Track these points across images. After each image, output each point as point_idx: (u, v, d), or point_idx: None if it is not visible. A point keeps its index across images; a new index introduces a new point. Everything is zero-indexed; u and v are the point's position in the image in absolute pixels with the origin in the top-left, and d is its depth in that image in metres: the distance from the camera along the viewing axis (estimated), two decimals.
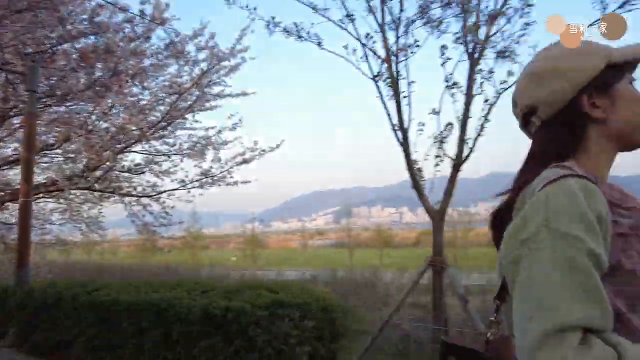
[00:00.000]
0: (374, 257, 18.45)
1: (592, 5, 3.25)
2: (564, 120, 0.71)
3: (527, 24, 3.48)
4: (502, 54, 3.54)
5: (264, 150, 7.47)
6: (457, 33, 3.63)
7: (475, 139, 3.66)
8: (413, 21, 3.75)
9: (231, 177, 7.52)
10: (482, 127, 3.66)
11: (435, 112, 3.78)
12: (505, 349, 0.68)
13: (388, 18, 3.80)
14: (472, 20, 3.59)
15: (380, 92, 3.93)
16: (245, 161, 7.44)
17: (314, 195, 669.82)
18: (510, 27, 3.53)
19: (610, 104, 0.70)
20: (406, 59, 3.82)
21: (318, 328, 3.32)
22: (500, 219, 0.72)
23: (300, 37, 4.12)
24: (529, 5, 3.45)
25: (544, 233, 0.58)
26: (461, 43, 3.59)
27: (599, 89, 0.70)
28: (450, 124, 3.73)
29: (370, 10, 3.84)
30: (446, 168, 3.76)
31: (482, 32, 3.57)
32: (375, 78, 3.93)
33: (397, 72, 3.83)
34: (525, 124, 0.78)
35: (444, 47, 3.62)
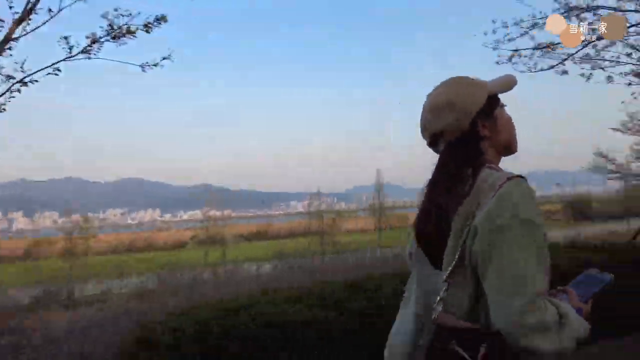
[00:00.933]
0: None
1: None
2: (465, 139, 0.92)
3: None
4: None
5: None
6: None
7: None
8: None
9: None
10: None
11: None
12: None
13: None
14: None
15: None
16: None
17: None
18: None
19: (493, 124, 0.94)
20: None
21: None
22: (434, 217, 0.89)
23: None
24: None
25: (516, 222, 0.76)
26: None
27: (485, 114, 0.93)
28: None
29: None
30: None
31: None
32: None
33: None
34: (433, 144, 0.99)
35: None
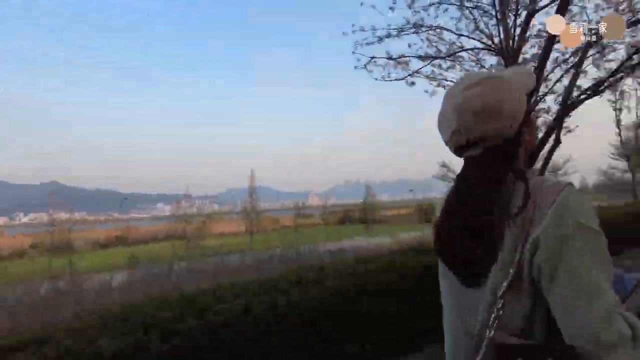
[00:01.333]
0: None
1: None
2: (507, 145, 0.84)
3: None
4: None
5: None
6: None
7: None
8: None
9: None
10: None
11: None
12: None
13: None
14: None
15: None
16: None
17: None
18: None
19: (531, 128, 0.89)
20: None
21: None
22: (476, 232, 0.79)
23: None
24: None
25: (582, 231, 0.70)
26: None
27: (527, 119, 0.86)
28: None
29: None
30: None
31: None
32: None
33: None
34: (462, 149, 0.87)
35: None
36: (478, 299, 0.79)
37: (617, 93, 8.33)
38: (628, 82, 4.58)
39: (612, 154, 27.23)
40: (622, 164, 26.62)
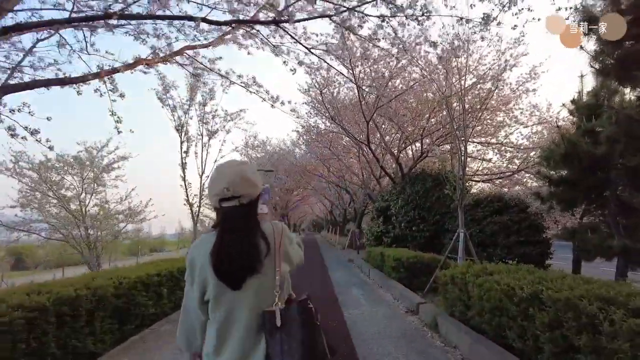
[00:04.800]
0: None
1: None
2: (252, 203, 1.46)
3: None
4: None
5: None
6: None
7: None
8: None
9: None
10: None
11: None
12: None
13: None
14: None
15: None
16: None
17: None
18: None
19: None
20: None
21: None
22: (240, 255, 1.37)
23: None
24: None
25: (295, 241, 1.57)
26: None
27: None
28: None
29: None
30: None
31: None
32: None
33: None
34: (225, 200, 1.43)
35: None
36: (241, 297, 1.39)
37: None
38: None
39: None
40: None
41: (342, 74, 11.30)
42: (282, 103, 6.65)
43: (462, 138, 7.51)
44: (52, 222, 11.68)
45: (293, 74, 6.03)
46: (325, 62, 6.79)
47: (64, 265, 22.39)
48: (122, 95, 5.98)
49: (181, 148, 10.56)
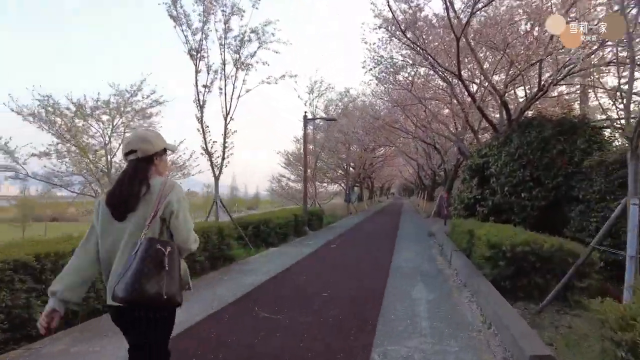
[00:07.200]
0: None
1: None
2: (147, 158, 1.88)
3: None
4: None
5: None
6: None
7: None
8: None
9: None
10: None
11: None
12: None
13: None
14: None
15: None
16: None
17: None
18: None
19: (160, 160, 1.95)
20: None
21: None
22: (127, 196, 1.77)
23: None
24: None
25: (183, 200, 1.85)
26: None
27: (159, 155, 1.94)
28: None
29: None
30: None
31: None
32: None
33: None
34: (127, 155, 1.88)
35: None
36: (123, 227, 1.76)
37: None
38: None
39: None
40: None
41: None
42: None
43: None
44: (83, 174, 10.57)
45: None
46: None
47: None
48: None
49: (196, 79, 8.16)
